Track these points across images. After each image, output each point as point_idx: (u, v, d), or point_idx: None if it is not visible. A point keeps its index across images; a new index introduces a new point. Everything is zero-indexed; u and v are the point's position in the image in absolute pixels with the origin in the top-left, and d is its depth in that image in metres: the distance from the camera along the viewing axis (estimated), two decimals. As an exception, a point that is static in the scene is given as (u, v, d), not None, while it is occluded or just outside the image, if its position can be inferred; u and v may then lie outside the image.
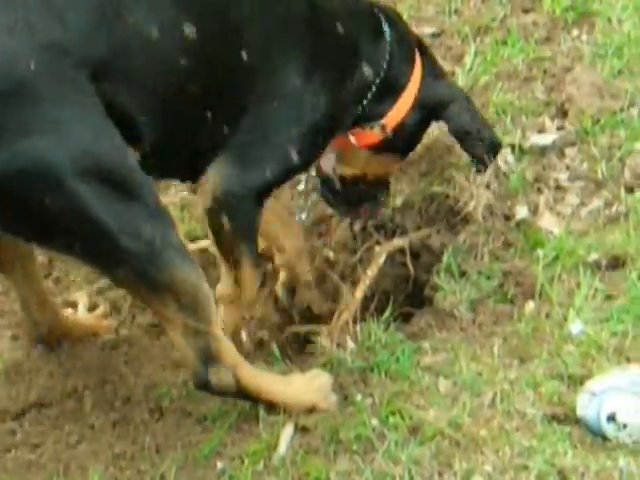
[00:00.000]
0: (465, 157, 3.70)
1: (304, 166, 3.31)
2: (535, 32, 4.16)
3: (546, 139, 3.78)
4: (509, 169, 3.71)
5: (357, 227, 3.63)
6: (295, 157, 3.16)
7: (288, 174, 3.25)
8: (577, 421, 2.95)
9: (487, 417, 2.99)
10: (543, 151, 3.76)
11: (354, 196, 3.59)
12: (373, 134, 3.41)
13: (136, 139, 2.76)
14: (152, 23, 2.79)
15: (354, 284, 3.46)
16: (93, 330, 3.34)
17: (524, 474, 2.83)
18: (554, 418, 2.97)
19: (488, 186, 3.62)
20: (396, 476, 2.85)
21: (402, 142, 3.52)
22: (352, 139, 3.39)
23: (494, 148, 3.53)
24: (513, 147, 3.77)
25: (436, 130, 3.82)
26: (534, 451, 2.88)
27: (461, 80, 4.02)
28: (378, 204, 3.64)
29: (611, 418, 2.87)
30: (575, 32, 4.16)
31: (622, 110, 3.82)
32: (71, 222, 2.61)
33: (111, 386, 3.18)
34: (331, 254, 3.61)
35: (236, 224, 3.11)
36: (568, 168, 3.71)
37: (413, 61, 3.44)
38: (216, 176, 3.05)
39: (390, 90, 3.39)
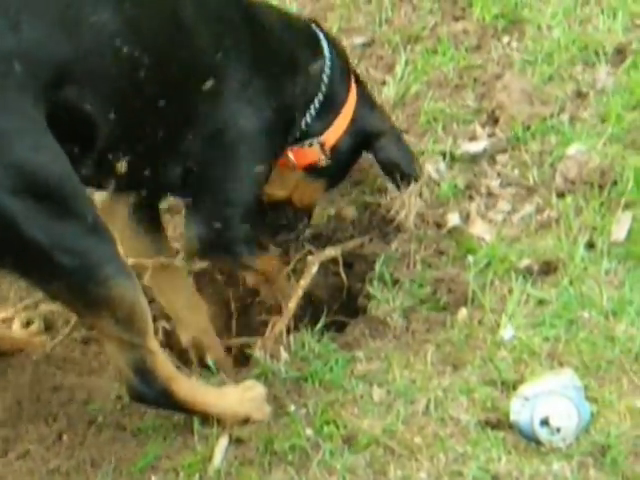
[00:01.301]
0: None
1: (266, 181, 3.36)
2: (465, 40, 4.19)
3: (477, 146, 3.81)
4: (440, 177, 3.73)
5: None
6: (262, 174, 3.28)
7: (250, 207, 3.31)
8: (511, 426, 2.98)
9: (421, 424, 3.02)
10: (474, 158, 3.79)
11: (276, 220, 3.62)
12: (312, 152, 3.44)
13: (91, 144, 2.77)
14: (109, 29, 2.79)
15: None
16: (26, 346, 3.32)
17: (460, 478, 2.87)
18: (488, 424, 3.01)
19: (420, 194, 3.64)
20: (332, 486, 2.89)
21: (333, 168, 3.54)
22: (291, 157, 3.41)
23: (414, 180, 3.60)
24: (444, 155, 3.80)
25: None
26: (468, 457, 2.92)
27: (392, 89, 4.04)
28: (297, 231, 3.66)
29: (544, 422, 2.91)
30: (505, 39, 4.20)
31: (552, 116, 3.87)
32: (2, 238, 2.57)
33: (45, 401, 3.16)
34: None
35: (227, 251, 3.25)
36: (499, 175, 3.74)
37: (350, 82, 3.49)
38: (191, 238, 3.21)
39: (330, 107, 3.43)
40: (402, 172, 3.60)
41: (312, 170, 3.51)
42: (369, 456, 2.95)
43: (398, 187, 3.60)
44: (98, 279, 2.69)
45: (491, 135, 3.86)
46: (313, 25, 3.50)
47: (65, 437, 3.07)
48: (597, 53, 4.07)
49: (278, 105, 3.28)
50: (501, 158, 3.79)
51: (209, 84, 3.08)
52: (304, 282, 3.43)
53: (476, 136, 3.87)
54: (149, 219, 3.35)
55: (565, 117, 3.87)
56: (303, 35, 3.44)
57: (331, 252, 3.53)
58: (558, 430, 2.92)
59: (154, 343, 2.86)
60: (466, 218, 3.62)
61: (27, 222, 2.55)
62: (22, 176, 2.52)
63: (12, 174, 2.49)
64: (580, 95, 3.95)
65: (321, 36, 3.47)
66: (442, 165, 3.77)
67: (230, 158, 3.19)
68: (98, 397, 3.18)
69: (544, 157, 3.75)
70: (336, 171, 3.59)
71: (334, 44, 3.50)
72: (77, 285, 2.68)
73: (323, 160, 3.44)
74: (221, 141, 3.15)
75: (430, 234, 3.58)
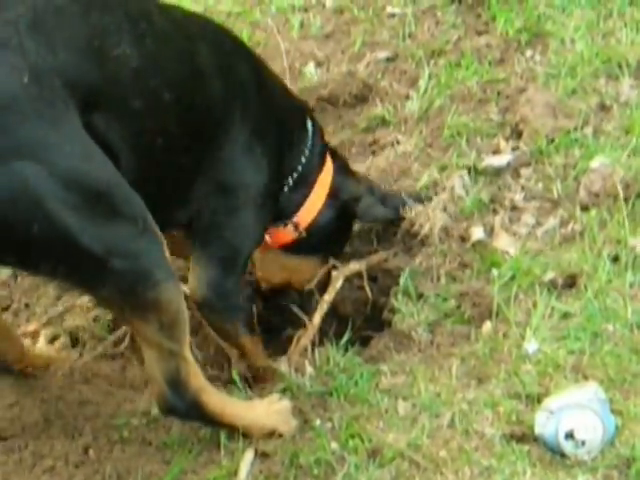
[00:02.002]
0: (421, 181, 3.79)
1: (254, 248, 3.38)
2: (489, 54, 4.20)
3: (501, 160, 3.81)
4: (464, 191, 3.74)
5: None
6: (247, 248, 3.30)
7: (245, 264, 3.34)
8: (535, 439, 2.98)
9: (446, 438, 3.02)
10: (498, 172, 3.78)
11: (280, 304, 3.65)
12: (287, 233, 3.47)
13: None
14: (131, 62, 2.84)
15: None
16: (52, 361, 3.33)
17: (486, 492, 2.88)
18: (513, 437, 3.00)
19: (444, 208, 3.65)
20: (358, 500, 2.90)
21: (319, 241, 3.55)
22: (267, 238, 3.42)
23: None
24: (468, 169, 3.80)
25: (391, 155, 3.90)
26: (494, 471, 2.91)
27: (416, 103, 4.05)
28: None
29: (569, 435, 2.91)
30: (529, 53, 4.19)
31: (576, 129, 3.86)
32: (57, 247, 2.60)
33: (71, 416, 3.17)
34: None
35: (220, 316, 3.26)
36: (523, 188, 3.74)
37: (324, 163, 3.51)
38: (194, 283, 3.17)
39: (304, 184, 3.45)
40: (392, 221, 3.66)
41: (295, 249, 3.54)
42: (394, 470, 2.95)
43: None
44: (148, 283, 2.71)
45: (515, 149, 3.86)
46: (303, 106, 3.55)
47: (91, 452, 3.08)
48: (620, 66, 4.07)
49: (271, 172, 3.32)
50: (525, 172, 3.78)
51: (217, 134, 3.14)
52: (329, 296, 3.45)
53: (500, 150, 3.87)
54: None
55: (589, 130, 3.87)
56: (297, 112, 3.48)
57: (355, 266, 3.54)
58: (583, 443, 2.91)
59: (189, 353, 2.88)
60: (490, 232, 3.62)
61: (80, 229, 2.57)
62: (74, 184, 2.55)
63: (64, 183, 2.52)
64: (604, 108, 3.95)
65: (308, 117, 3.50)
66: (466, 179, 3.77)
67: (231, 208, 3.23)
68: (124, 412, 3.20)
69: (568, 170, 3.75)
70: (327, 244, 3.60)
71: (316, 127, 3.52)
72: (128, 288, 2.70)
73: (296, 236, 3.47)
74: (224, 192, 3.20)
75: (454, 248, 3.58)
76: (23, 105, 2.51)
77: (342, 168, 3.61)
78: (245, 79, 3.26)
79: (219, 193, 3.18)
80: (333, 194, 3.50)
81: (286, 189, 3.41)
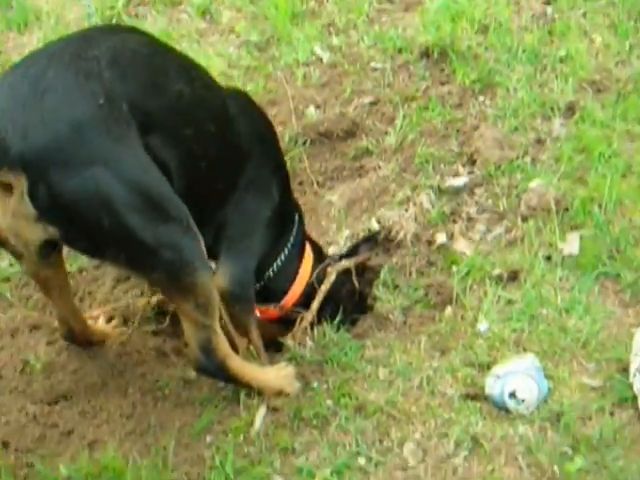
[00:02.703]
0: (397, 198, 3.79)
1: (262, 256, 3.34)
2: (450, 99, 4.18)
3: (459, 182, 3.81)
4: (431, 205, 3.74)
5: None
6: (259, 256, 3.29)
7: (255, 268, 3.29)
8: (486, 398, 3.01)
9: (416, 397, 3.04)
10: (457, 191, 3.78)
11: None
12: (274, 311, 3.45)
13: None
14: (184, 98, 2.90)
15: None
16: (109, 336, 3.35)
17: (445, 440, 2.89)
18: (468, 396, 3.03)
19: (415, 219, 3.66)
20: (346, 444, 2.90)
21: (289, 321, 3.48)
22: (257, 314, 3.37)
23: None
24: (434, 188, 3.79)
25: (374, 177, 3.92)
26: (452, 422, 2.94)
27: (393, 138, 4.03)
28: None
29: (512, 395, 2.94)
30: (481, 98, 4.19)
31: (518, 158, 3.86)
32: (122, 239, 2.62)
33: (124, 379, 3.19)
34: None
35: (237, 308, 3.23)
36: (476, 203, 3.74)
37: (302, 256, 3.48)
38: (221, 279, 3.15)
39: (287, 274, 3.44)
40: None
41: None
42: (375, 421, 2.97)
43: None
44: (189, 270, 2.73)
45: (470, 173, 3.85)
46: (296, 209, 3.51)
47: (139, 407, 3.09)
48: (552, 109, 4.07)
49: (279, 201, 3.34)
50: (478, 191, 3.78)
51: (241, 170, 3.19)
52: (324, 287, 3.44)
53: (458, 174, 3.86)
54: None
55: (528, 159, 3.86)
56: (287, 205, 3.43)
57: (346, 264, 3.53)
58: (523, 401, 2.94)
59: (218, 327, 2.90)
60: (451, 237, 3.61)
61: (139, 226, 2.60)
62: (136, 190, 2.56)
63: (129, 189, 2.54)
64: (539, 142, 3.94)
65: (297, 216, 3.47)
66: (432, 196, 3.77)
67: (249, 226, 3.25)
68: (164, 376, 3.20)
69: (511, 190, 3.74)
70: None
71: (301, 225, 3.49)
72: (173, 274, 2.72)
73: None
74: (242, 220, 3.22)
75: (422, 250, 3.58)
76: (98, 122, 2.53)
77: (318, 254, 3.57)
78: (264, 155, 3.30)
79: (241, 215, 3.19)
80: (310, 283, 3.47)
81: (272, 275, 3.39)
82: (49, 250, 2.74)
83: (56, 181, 2.45)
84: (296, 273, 3.44)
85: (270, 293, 3.40)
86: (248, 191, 3.21)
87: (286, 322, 3.42)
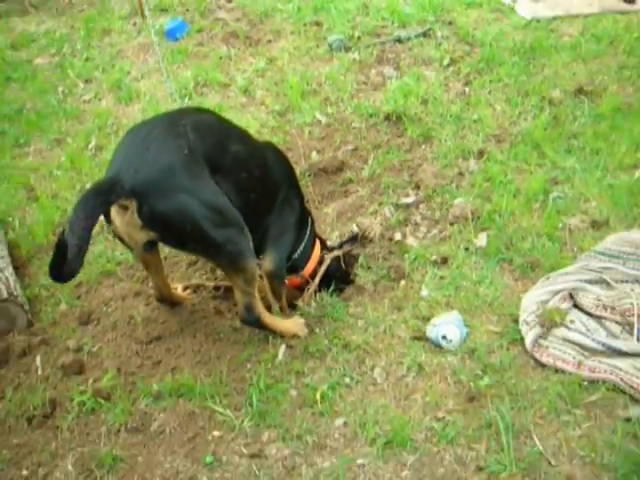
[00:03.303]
0: (369, 210, 3.77)
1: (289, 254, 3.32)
2: (403, 147, 4.17)
3: (409, 200, 3.79)
4: (391, 215, 3.72)
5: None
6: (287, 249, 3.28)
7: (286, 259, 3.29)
8: (427, 339, 3.00)
9: (382, 338, 3.04)
10: (408, 206, 3.76)
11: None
12: (297, 279, 3.42)
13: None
14: (239, 154, 2.92)
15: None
16: (185, 300, 3.34)
17: (401, 366, 2.90)
18: (415, 338, 3.03)
19: (380, 224, 3.65)
20: (337, 369, 2.91)
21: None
22: (286, 282, 3.35)
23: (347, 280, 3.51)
24: (393, 204, 3.77)
25: (354, 197, 3.90)
26: (405, 355, 2.95)
27: (367, 172, 4.01)
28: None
29: (444, 337, 2.94)
30: (423, 146, 4.18)
31: (447, 185, 3.85)
32: (200, 239, 2.66)
33: (194, 327, 3.18)
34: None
35: (276, 282, 3.22)
36: (420, 214, 3.72)
37: (315, 240, 3.46)
38: (267, 264, 3.16)
39: (305, 254, 3.40)
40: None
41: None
42: (356, 354, 2.97)
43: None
44: (242, 258, 2.76)
45: (416, 194, 3.84)
46: (308, 213, 3.46)
47: (204, 345, 3.09)
48: (469, 153, 4.06)
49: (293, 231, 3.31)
50: (421, 206, 3.76)
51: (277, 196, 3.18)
52: (322, 268, 3.43)
53: (409, 195, 3.84)
54: None
55: (453, 185, 3.85)
56: (304, 213, 3.40)
57: (337, 253, 3.51)
58: (450, 341, 2.94)
59: (257, 293, 2.91)
60: (404, 236, 3.59)
61: (212, 229, 2.65)
62: (209, 207, 2.63)
63: (205, 206, 2.62)
64: (461, 174, 3.93)
65: (309, 218, 3.44)
66: (392, 209, 3.75)
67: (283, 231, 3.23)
68: (220, 325, 3.19)
69: (443, 205, 3.73)
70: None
71: (312, 226, 3.45)
72: (233, 260, 2.76)
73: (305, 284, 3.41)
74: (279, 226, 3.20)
75: (385, 244, 3.57)
76: (184, 165, 2.60)
77: (323, 246, 3.52)
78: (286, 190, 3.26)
79: (278, 222, 3.20)
80: (319, 262, 3.44)
81: (297, 257, 3.35)
82: (151, 246, 2.82)
83: (155, 204, 2.54)
84: (311, 255, 3.42)
85: (295, 268, 3.37)
86: (282, 208, 3.21)
87: (301, 289, 3.40)
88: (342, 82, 4.77)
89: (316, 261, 3.43)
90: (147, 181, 2.53)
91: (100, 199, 2.50)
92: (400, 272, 3.36)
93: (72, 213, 2.46)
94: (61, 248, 2.47)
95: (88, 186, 2.59)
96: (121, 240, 2.81)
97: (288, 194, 3.25)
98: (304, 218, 3.38)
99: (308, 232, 3.39)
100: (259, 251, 3.08)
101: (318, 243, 3.48)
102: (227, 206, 2.71)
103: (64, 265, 2.48)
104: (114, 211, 2.62)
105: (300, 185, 3.45)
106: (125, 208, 2.57)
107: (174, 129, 2.69)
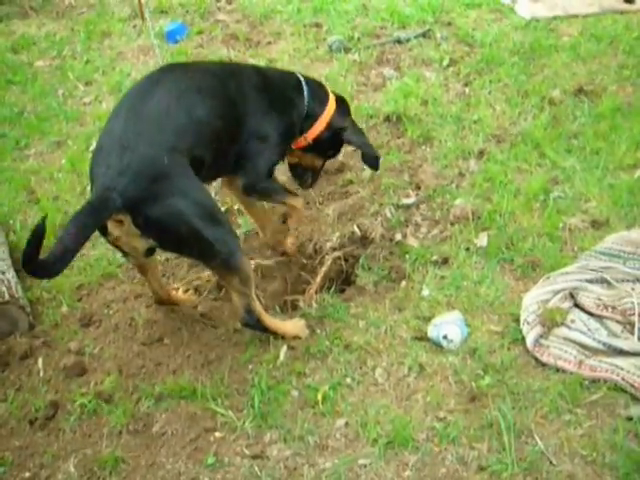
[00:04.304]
0: (370, 211, 3.75)
1: (282, 157, 3.36)
2: (403, 147, 4.16)
3: (410, 200, 3.78)
4: (392, 215, 3.70)
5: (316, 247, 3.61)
6: (276, 155, 3.25)
7: (276, 162, 3.28)
8: (428, 339, 3.00)
9: (383, 338, 3.04)
10: (409, 206, 3.75)
11: (297, 172, 3.61)
12: (302, 141, 3.42)
13: (202, 167, 2.82)
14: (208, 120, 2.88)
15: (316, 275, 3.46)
16: (186, 301, 3.34)
17: (402, 366, 2.90)
18: (416, 338, 3.03)
19: (381, 224, 3.64)
20: (338, 370, 2.91)
21: (320, 148, 3.50)
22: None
23: (375, 158, 3.52)
24: (394, 205, 3.76)
25: (355, 198, 3.87)
26: (406, 355, 2.95)
27: (367, 172, 3.97)
28: (308, 179, 3.63)
29: (445, 337, 2.94)
30: (423, 147, 4.17)
31: (447, 185, 3.85)
32: (195, 239, 2.68)
33: (195, 329, 3.18)
34: (304, 261, 3.59)
35: (261, 192, 3.22)
36: (421, 214, 3.71)
37: (325, 104, 3.41)
38: (241, 178, 3.13)
39: (311, 118, 3.38)
40: (363, 152, 3.52)
41: (307, 149, 3.47)
42: (357, 355, 2.98)
43: (371, 166, 3.57)
44: (234, 258, 2.77)
45: (417, 195, 3.83)
46: (301, 78, 3.41)
47: (205, 346, 3.09)
48: (469, 153, 4.06)
49: (287, 122, 3.27)
50: (422, 206, 3.76)
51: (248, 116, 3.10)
52: (324, 269, 3.43)
53: (409, 195, 3.83)
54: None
55: (454, 185, 3.85)
56: (292, 83, 3.37)
57: (337, 253, 3.51)
58: (451, 341, 2.94)
59: (255, 295, 2.92)
60: (404, 236, 3.58)
61: (203, 228, 2.67)
62: (199, 206, 2.66)
63: (195, 205, 2.64)
64: (461, 174, 3.93)
65: (302, 79, 3.40)
66: (393, 210, 3.74)
67: (261, 146, 3.16)
68: (221, 327, 3.20)
69: (443, 205, 3.72)
70: (323, 150, 3.52)
71: (310, 82, 3.43)
72: (225, 261, 2.76)
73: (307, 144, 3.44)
74: (256, 138, 3.13)
75: (386, 244, 3.55)
76: (167, 171, 2.64)
77: (340, 110, 3.49)
78: (258, 86, 3.18)
79: (252, 140, 3.12)
80: (329, 124, 3.42)
81: (301, 123, 3.34)
82: (150, 252, 2.85)
83: (149, 213, 2.58)
84: (317, 117, 3.39)
85: (301, 129, 3.37)
86: (257, 124, 3.15)
87: (314, 151, 3.46)
88: (342, 83, 4.76)
89: (325, 122, 3.41)
90: (137, 195, 2.55)
91: (93, 218, 2.53)
92: (401, 272, 3.36)
93: (64, 231, 2.49)
94: (35, 239, 2.40)
95: (79, 207, 2.57)
96: (118, 248, 2.85)
97: (255, 108, 3.15)
98: (288, 95, 3.32)
99: (306, 98, 3.35)
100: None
101: (333, 104, 3.45)
102: (213, 203, 2.79)
103: (42, 261, 2.43)
104: (111, 225, 2.65)
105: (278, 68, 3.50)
106: (120, 222, 2.62)
107: (146, 127, 2.66)
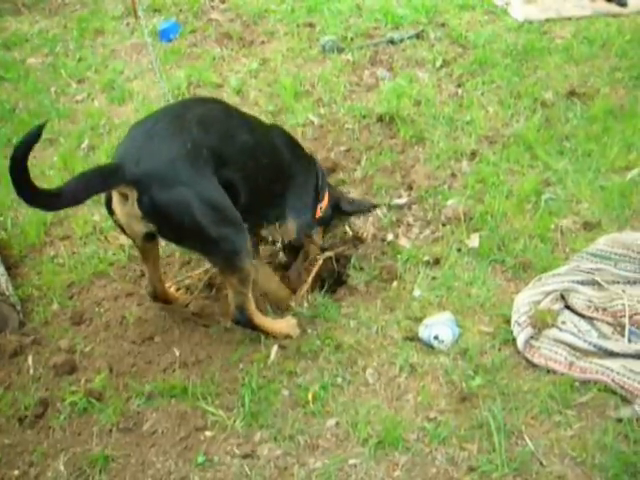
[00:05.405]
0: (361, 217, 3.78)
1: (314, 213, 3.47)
2: (396, 148, 4.16)
3: (401, 201, 3.79)
4: (384, 216, 3.71)
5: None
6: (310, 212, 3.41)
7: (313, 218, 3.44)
8: (419, 340, 3.00)
9: (374, 339, 3.04)
10: (401, 207, 3.76)
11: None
12: (318, 211, 3.49)
13: (237, 200, 2.85)
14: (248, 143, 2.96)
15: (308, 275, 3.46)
16: (177, 300, 3.34)
17: (393, 366, 2.90)
18: (407, 338, 3.02)
19: (373, 224, 3.65)
20: (329, 369, 2.91)
21: (325, 215, 3.56)
22: None
23: (374, 207, 3.70)
24: (386, 205, 3.77)
25: (354, 191, 3.89)
26: (397, 355, 2.94)
27: (360, 173, 4.01)
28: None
29: (436, 338, 2.94)
30: (416, 147, 4.17)
31: (440, 186, 3.85)
32: (197, 234, 2.68)
33: (186, 327, 3.17)
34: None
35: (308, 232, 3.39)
36: (413, 215, 3.72)
37: (325, 188, 3.53)
38: (291, 223, 3.28)
39: (320, 196, 3.48)
40: (359, 211, 3.71)
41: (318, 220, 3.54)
42: (348, 355, 2.97)
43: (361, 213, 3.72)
44: (238, 256, 2.77)
45: (409, 195, 3.83)
46: (317, 165, 3.53)
47: (196, 345, 3.08)
48: (462, 154, 4.06)
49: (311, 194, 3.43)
50: (414, 207, 3.76)
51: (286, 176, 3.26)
52: (315, 269, 3.44)
53: (401, 196, 3.84)
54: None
55: (446, 186, 3.85)
56: (313, 168, 3.48)
57: (329, 254, 3.52)
58: (442, 341, 2.94)
59: (250, 294, 2.91)
60: (396, 236, 3.59)
61: (209, 225, 2.66)
62: (208, 203, 2.65)
63: (203, 201, 2.63)
64: (453, 175, 3.93)
65: (317, 165, 3.52)
66: (385, 210, 3.75)
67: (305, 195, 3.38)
68: (212, 325, 3.19)
69: (435, 206, 3.73)
70: (326, 217, 3.58)
71: (320, 168, 3.53)
72: (228, 258, 2.77)
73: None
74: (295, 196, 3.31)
75: (378, 244, 3.56)
76: (185, 159, 2.63)
77: (334, 191, 3.64)
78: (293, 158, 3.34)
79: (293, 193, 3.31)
80: (330, 199, 3.53)
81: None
82: (150, 238, 2.86)
83: (155, 194, 2.57)
84: (323, 195, 3.50)
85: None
86: (295, 181, 3.31)
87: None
88: (335, 83, 4.76)
89: (327, 201, 3.53)
90: (148, 172, 2.57)
91: (99, 179, 2.57)
92: (392, 273, 3.35)
93: (70, 180, 2.55)
94: (17, 164, 2.47)
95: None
96: (123, 230, 2.87)
97: (297, 168, 3.32)
98: (311, 179, 3.46)
99: (319, 183, 3.48)
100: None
101: (329, 191, 3.57)
102: (226, 204, 2.73)
103: (37, 189, 2.49)
104: (115, 200, 2.69)
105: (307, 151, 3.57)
106: (126, 197, 2.63)
107: (179, 123, 2.74)
